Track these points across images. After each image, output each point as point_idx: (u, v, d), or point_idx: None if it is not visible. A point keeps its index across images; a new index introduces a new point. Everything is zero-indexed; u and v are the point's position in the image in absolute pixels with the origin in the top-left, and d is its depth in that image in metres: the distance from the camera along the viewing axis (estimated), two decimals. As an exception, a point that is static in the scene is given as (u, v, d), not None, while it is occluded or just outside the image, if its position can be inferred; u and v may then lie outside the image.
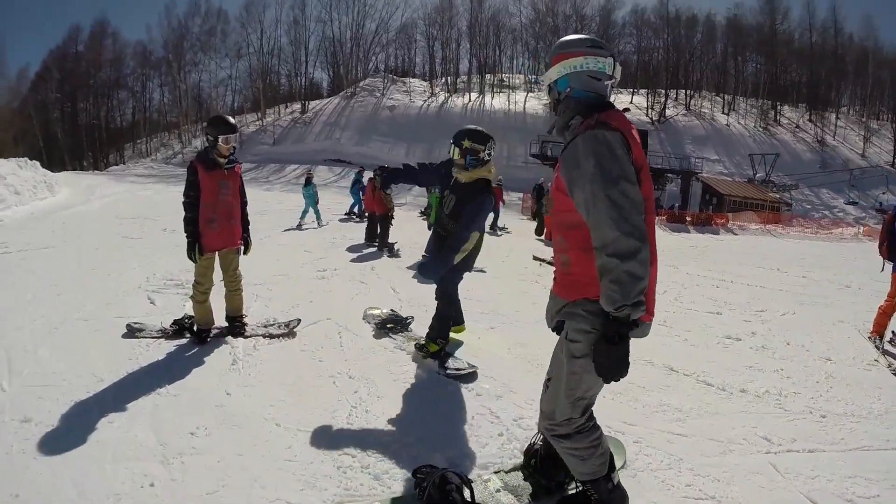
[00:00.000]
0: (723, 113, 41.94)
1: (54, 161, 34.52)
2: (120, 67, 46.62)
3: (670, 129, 39.63)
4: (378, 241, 7.98)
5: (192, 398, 2.66)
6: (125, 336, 3.38)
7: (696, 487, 2.12)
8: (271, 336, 3.54)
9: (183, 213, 3.27)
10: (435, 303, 3.40)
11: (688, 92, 42.77)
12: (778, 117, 41.07)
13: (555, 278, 1.73)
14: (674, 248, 12.67)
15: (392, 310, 4.09)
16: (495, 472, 2.11)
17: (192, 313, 3.43)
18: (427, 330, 3.40)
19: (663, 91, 42.40)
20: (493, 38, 46.54)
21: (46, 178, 12.50)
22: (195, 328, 3.38)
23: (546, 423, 1.72)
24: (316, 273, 5.90)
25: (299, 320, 3.75)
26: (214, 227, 3.28)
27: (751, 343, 4.31)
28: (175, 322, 3.45)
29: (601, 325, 1.46)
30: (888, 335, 4.50)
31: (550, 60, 1.66)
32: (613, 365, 1.45)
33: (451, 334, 3.54)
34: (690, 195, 29.32)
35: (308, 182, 11.23)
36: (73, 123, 44.54)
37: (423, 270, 3.16)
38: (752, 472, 2.23)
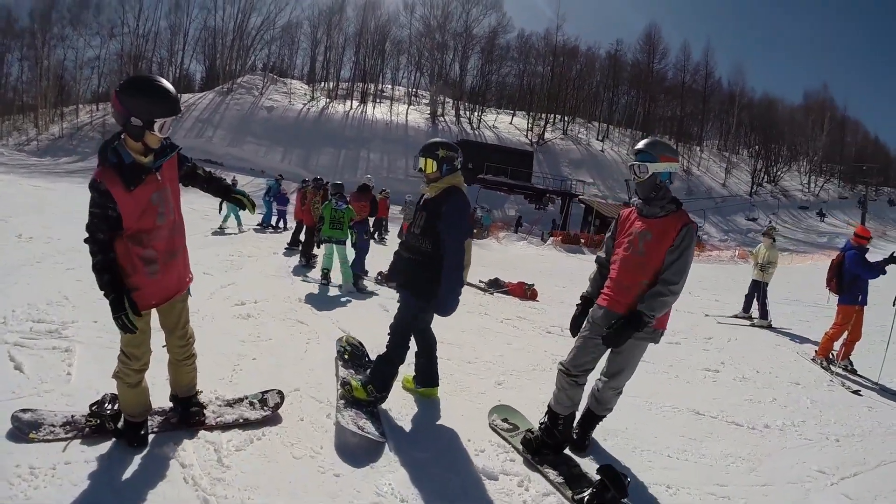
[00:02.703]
0: (597, 139, 46.62)
1: None
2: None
3: (548, 151, 42.94)
4: (302, 249, 7.87)
5: None
6: (11, 437, 2.05)
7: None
8: (245, 424, 2.43)
9: (90, 258, 1.96)
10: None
11: (565, 118, 46.83)
12: (648, 146, 46.76)
13: (611, 295, 2.42)
14: (576, 269, 13.27)
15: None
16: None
17: (115, 391, 2.19)
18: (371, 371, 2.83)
19: (543, 115, 45.92)
20: (378, 48, 45.69)
21: None
22: (123, 420, 2.17)
23: (616, 391, 2.57)
24: (235, 309, 4.47)
25: (281, 393, 2.65)
26: (153, 271, 2.07)
27: (730, 374, 4.49)
28: (94, 411, 2.18)
29: (630, 315, 2.31)
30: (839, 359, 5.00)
31: (657, 156, 2.36)
32: (622, 338, 2.31)
33: (424, 393, 3.06)
34: (570, 216, 31.47)
35: None
36: None
37: (441, 307, 2.69)
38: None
